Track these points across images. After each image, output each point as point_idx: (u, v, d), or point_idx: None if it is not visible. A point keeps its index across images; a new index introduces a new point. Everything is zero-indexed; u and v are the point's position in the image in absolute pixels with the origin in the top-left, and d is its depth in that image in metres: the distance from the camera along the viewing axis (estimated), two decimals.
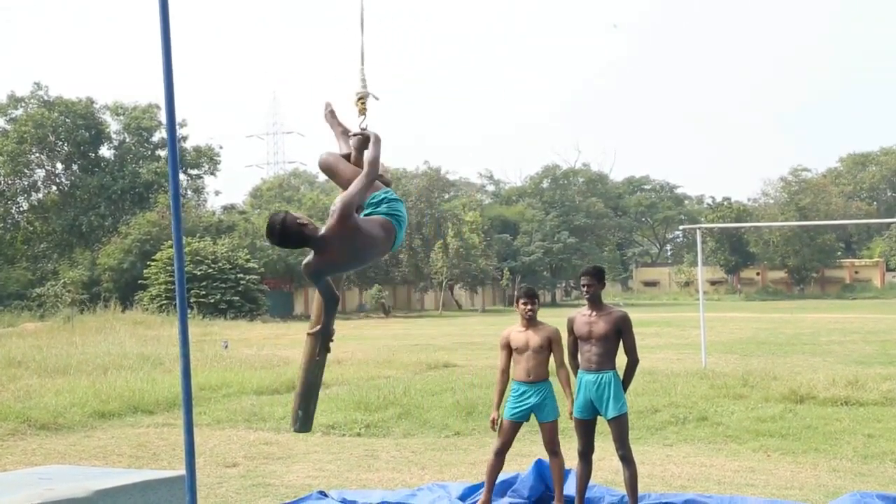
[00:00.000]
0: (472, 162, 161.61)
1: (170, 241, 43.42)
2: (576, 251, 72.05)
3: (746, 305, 60.33)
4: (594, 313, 6.50)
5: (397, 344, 25.69)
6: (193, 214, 50.98)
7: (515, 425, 6.89)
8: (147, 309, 41.47)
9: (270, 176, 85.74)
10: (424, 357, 19.76)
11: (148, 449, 9.77)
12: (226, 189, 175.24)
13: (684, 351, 21.29)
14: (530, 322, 6.80)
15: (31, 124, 52.50)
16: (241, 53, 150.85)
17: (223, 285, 44.18)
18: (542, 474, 7.23)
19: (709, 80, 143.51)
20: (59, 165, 56.57)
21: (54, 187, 57.02)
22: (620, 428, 6.42)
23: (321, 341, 5.13)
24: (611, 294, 79.59)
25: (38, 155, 54.96)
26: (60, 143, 54.87)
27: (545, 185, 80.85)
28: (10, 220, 55.85)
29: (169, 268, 41.78)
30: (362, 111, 5.36)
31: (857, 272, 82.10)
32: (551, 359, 6.86)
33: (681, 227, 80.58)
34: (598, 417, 6.60)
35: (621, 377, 6.57)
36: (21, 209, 57.28)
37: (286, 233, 4.57)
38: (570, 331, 6.66)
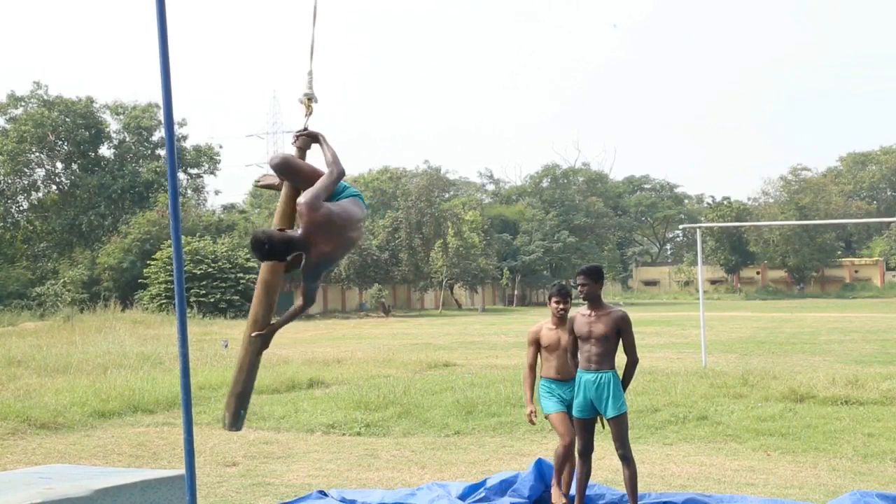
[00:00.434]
0: (472, 161, 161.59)
1: (169, 241, 43.43)
2: (576, 250, 72.05)
3: (746, 305, 60.35)
4: (594, 313, 6.50)
5: (397, 343, 25.70)
6: (193, 214, 51.00)
7: (566, 416, 6.83)
8: (147, 308, 41.52)
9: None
10: (424, 356, 19.77)
11: (148, 448, 9.77)
12: (226, 188, 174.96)
13: (684, 350, 21.30)
14: (561, 321, 6.79)
15: (30, 123, 52.52)
16: (241, 52, 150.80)
17: (223, 284, 44.20)
18: (543, 474, 7.23)
19: (709, 79, 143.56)
20: (59, 165, 56.62)
21: (54, 186, 57.06)
22: (620, 427, 6.42)
23: (263, 343, 5.21)
24: (611, 293, 79.65)
25: (37, 154, 54.99)
26: (60, 142, 54.89)
27: (545, 184, 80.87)
28: (10, 220, 55.88)
29: (169, 267, 41.81)
30: (309, 110, 5.41)
31: (856, 271, 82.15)
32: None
33: (681, 227, 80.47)
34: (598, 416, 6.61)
35: (621, 377, 6.57)
36: (21, 208, 57.33)
37: (274, 244, 4.79)
38: (571, 330, 6.66)
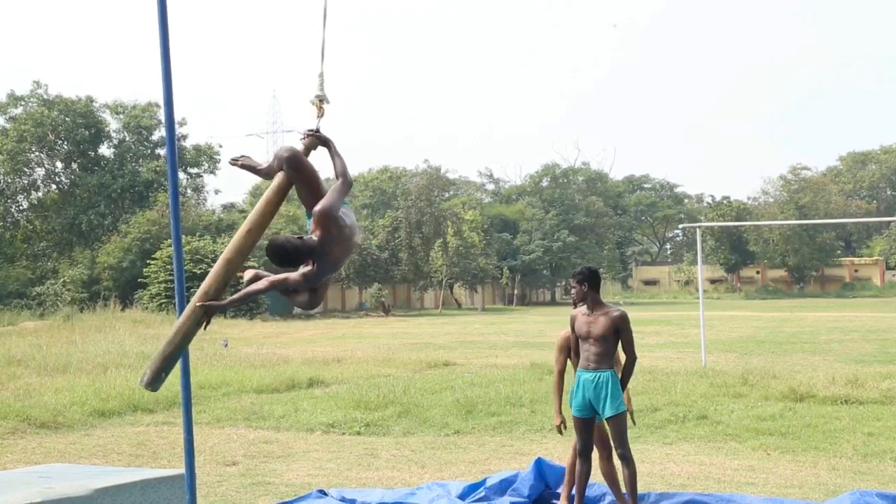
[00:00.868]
0: (472, 160, 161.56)
1: (169, 240, 43.44)
2: (575, 250, 72.04)
3: (746, 304, 60.35)
4: (593, 312, 6.51)
5: (397, 343, 25.69)
6: (193, 213, 50.97)
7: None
8: (147, 307, 41.51)
9: None
10: (424, 356, 19.77)
11: (148, 447, 9.77)
12: (226, 188, 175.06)
13: (684, 349, 21.30)
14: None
15: (30, 123, 52.49)
16: (241, 52, 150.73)
17: None
18: (543, 473, 7.23)
19: (708, 78, 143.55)
20: (59, 164, 56.58)
21: (54, 186, 57.02)
22: (618, 427, 6.42)
23: (206, 315, 5.15)
24: (611, 293, 79.62)
25: (37, 153, 54.96)
26: (60, 141, 54.86)
27: (545, 183, 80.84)
28: (9, 219, 55.85)
29: (168, 266, 41.80)
30: (320, 112, 5.40)
31: (856, 271, 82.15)
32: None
33: (681, 226, 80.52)
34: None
35: (619, 376, 6.59)
36: (21, 208, 57.29)
37: (297, 251, 4.86)
38: (572, 329, 6.67)
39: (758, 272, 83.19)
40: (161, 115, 55.56)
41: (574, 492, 6.69)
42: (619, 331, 6.47)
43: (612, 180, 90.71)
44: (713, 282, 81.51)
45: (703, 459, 8.68)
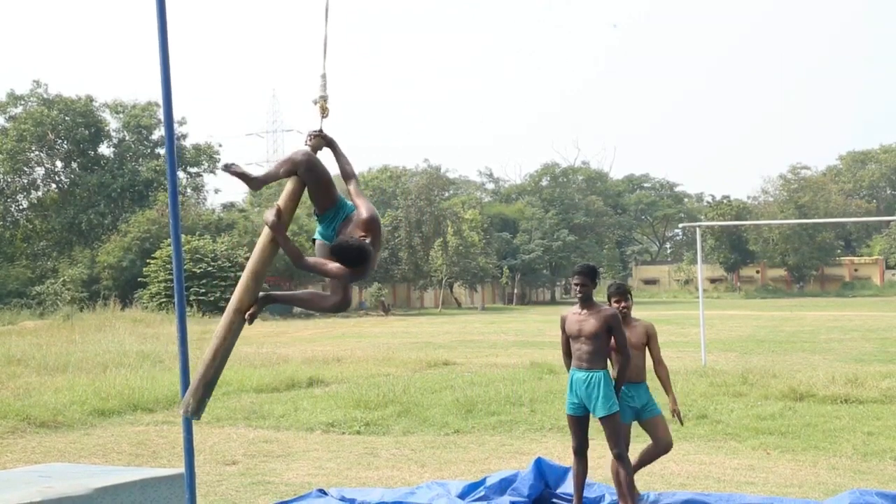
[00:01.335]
0: (472, 160, 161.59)
1: (169, 240, 43.37)
2: (575, 249, 72.03)
3: (746, 303, 60.35)
4: (585, 311, 6.51)
5: (397, 342, 25.69)
6: (193, 212, 50.97)
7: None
8: (146, 307, 41.51)
9: None
10: (424, 355, 19.76)
11: (147, 447, 9.77)
12: (225, 187, 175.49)
13: (684, 349, 21.29)
14: (625, 320, 6.67)
15: (30, 122, 52.47)
16: (240, 51, 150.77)
17: (223, 283, 44.19)
18: (543, 473, 7.22)
19: (708, 77, 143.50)
20: (59, 163, 56.58)
21: (54, 185, 57.01)
22: (612, 427, 6.41)
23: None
24: None
25: (37, 153, 54.95)
26: (60, 141, 54.85)
27: (545, 182, 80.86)
28: (9, 218, 55.84)
29: (168, 266, 41.78)
30: (325, 113, 5.38)
31: (856, 270, 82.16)
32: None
33: (680, 225, 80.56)
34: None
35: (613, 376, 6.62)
36: (20, 207, 57.29)
37: (371, 255, 4.89)
38: (563, 329, 6.69)
39: (758, 271, 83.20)
40: (161, 114, 55.56)
41: (569, 490, 6.69)
42: (612, 330, 6.46)
43: (611, 179, 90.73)
44: (713, 281, 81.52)
45: (703, 459, 8.67)
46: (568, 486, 6.98)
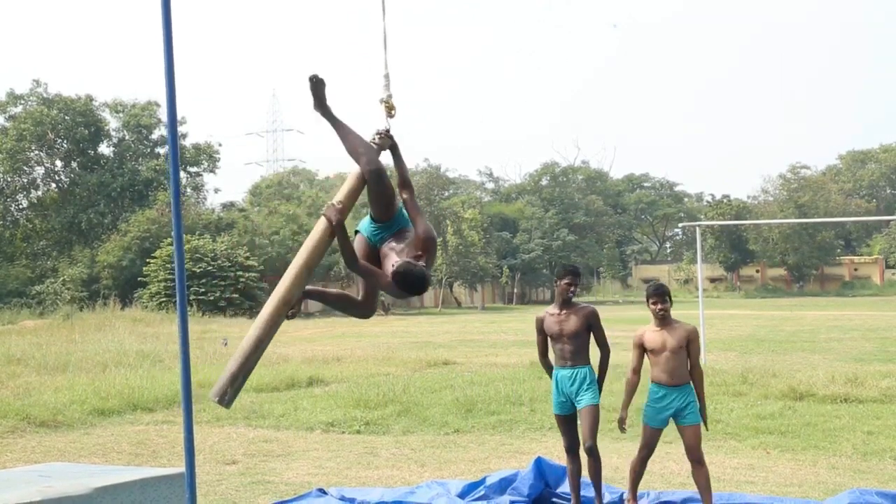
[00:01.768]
0: (472, 160, 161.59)
1: (169, 239, 43.41)
2: (575, 249, 72.03)
3: (746, 303, 60.35)
4: (563, 311, 6.62)
5: (397, 341, 25.69)
6: (193, 212, 50.97)
7: (657, 431, 6.62)
8: (146, 306, 41.50)
9: (270, 173, 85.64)
10: (424, 354, 19.76)
11: (147, 446, 9.77)
12: (225, 187, 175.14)
13: None
14: (663, 321, 6.51)
15: (30, 122, 52.44)
16: (240, 50, 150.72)
17: (223, 283, 44.20)
18: (543, 472, 7.22)
19: (708, 77, 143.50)
20: (59, 163, 56.53)
21: (53, 185, 56.98)
22: (590, 419, 6.46)
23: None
24: (610, 291, 79.61)
25: (37, 152, 54.91)
26: (60, 140, 54.82)
27: (544, 182, 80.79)
28: (9, 218, 55.81)
29: (168, 265, 41.79)
30: (392, 113, 5.30)
31: (856, 269, 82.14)
32: None
33: (680, 225, 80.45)
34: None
35: (597, 372, 6.66)
36: (20, 207, 57.24)
37: (428, 285, 4.91)
38: (540, 330, 6.76)
39: (757, 271, 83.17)
40: (160, 113, 55.58)
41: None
42: (592, 327, 6.61)
43: (611, 179, 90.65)
44: (713, 280, 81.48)
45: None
46: (568, 486, 6.98)
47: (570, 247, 71.75)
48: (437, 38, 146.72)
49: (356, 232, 5.30)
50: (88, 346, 20.86)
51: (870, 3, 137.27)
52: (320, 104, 5.28)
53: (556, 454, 8.43)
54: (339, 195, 5.09)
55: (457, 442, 9.85)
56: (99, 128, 55.99)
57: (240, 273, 45.02)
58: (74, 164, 56.21)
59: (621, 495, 6.98)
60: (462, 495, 7.02)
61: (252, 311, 44.48)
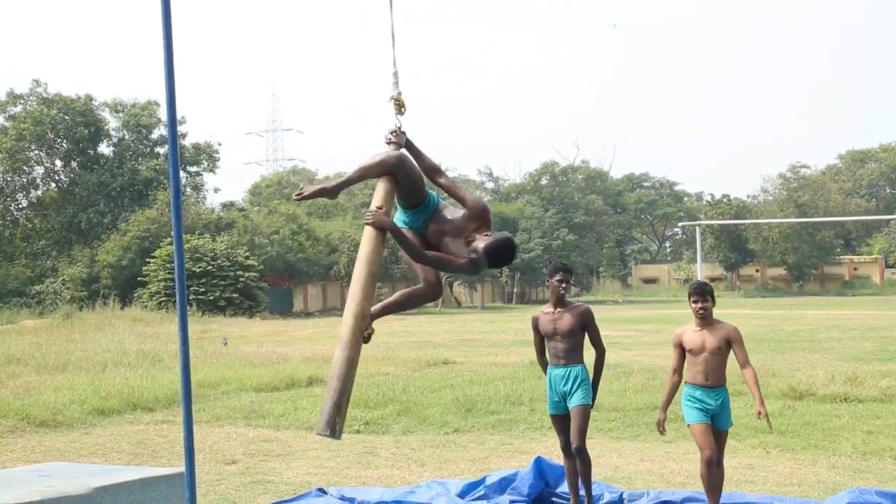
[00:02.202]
0: (472, 159, 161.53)
1: (169, 239, 43.40)
2: (575, 248, 72.00)
3: (746, 302, 60.32)
4: (558, 310, 6.63)
5: (396, 341, 25.69)
6: (192, 212, 50.98)
7: (705, 426, 6.32)
8: (146, 306, 41.51)
9: (270, 173, 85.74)
10: (423, 354, 19.76)
11: (147, 446, 9.77)
12: (225, 186, 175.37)
13: None
14: (704, 321, 6.32)
15: (29, 121, 52.42)
16: (240, 50, 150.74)
17: (222, 282, 44.19)
18: (542, 472, 7.23)
19: (708, 77, 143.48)
20: (58, 163, 56.52)
21: (53, 184, 56.96)
22: (581, 418, 6.47)
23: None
24: (610, 291, 79.60)
25: (36, 152, 54.90)
26: (59, 140, 54.81)
27: (544, 182, 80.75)
28: (9, 218, 55.80)
29: (168, 265, 41.79)
30: (402, 110, 5.29)
31: (856, 269, 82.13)
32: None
33: (680, 224, 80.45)
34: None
35: (591, 372, 6.67)
36: (20, 206, 57.24)
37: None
38: (536, 329, 6.78)
39: (757, 270, 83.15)
40: (160, 113, 55.56)
41: (565, 490, 6.68)
42: (587, 325, 6.62)
43: (611, 178, 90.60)
44: (713, 280, 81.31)
45: None
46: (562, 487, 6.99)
47: (569, 246, 71.70)
48: (436, 37, 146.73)
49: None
50: (88, 346, 20.85)
51: (870, 3, 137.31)
52: (331, 192, 5.35)
53: (556, 454, 8.41)
54: (377, 201, 5.06)
55: (456, 441, 9.85)
56: (99, 127, 55.97)
57: (239, 273, 45.01)
58: (74, 164, 56.20)
59: (621, 495, 6.97)
60: (462, 495, 7.02)
61: (252, 311, 44.52)
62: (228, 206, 61.13)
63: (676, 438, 9.71)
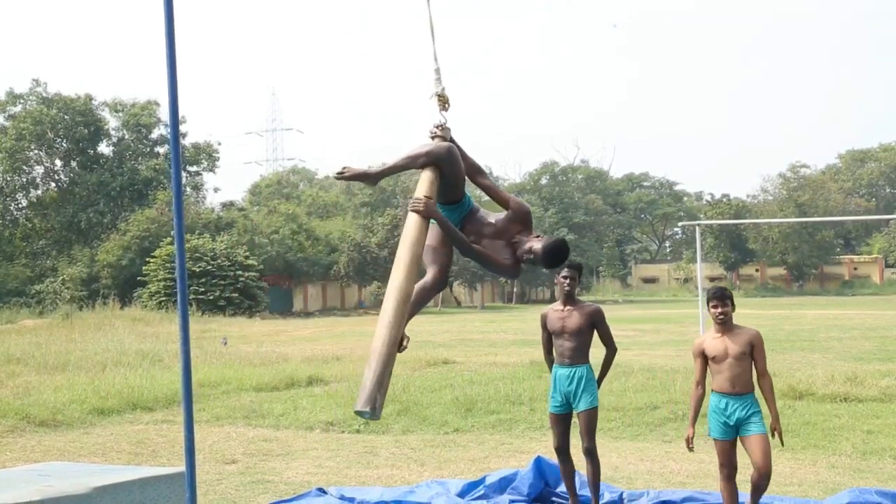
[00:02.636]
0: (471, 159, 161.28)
1: (169, 238, 43.42)
2: (575, 248, 71.94)
3: (745, 302, 60.22)
4: (567, 308, 6.57)
5: None
6: (192, 211, 51.01)
7: (728, 444, 6.23)
8: (146, 306, 41.53)
9: (269, 173, 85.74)
10: (423, 354, 19.73)
11: (147, 446, 9.77)
12: (225, 186, 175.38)
13: (683, 348, 21.27)
14: (724, 326, 6.15)
15: (29, 121, 52.42)
16: (240, 50, 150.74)
17: (222, 282, 44.20)
18: (542, 472, 7.23)
19: (708, 76, 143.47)
20: (58, 162, 56.53)
21: (53, 184, 56.96)
22: (589, 422, 6.45)
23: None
24: (610, 290, 79.56)
25: (36, 152, 54.91)
26: (59, 139, 54.81)
27: (544, 181, 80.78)
28: (8, 217, 55.79)
29: (168, 265, 41.81)
30: (446, 106, 5.25)
31: (856, 268, 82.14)
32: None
33: (680, 224, 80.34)
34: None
35: (596, 371, 6.63)
36: (20, 206, 57.23)
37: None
38: (544, 326, 6.73)
39: (757, 270, 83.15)
40: (160, 113, 55.59)
41: (583, 491, 6.64)
42: (596, 325, 6.56)
43: (611, 178, 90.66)
44: (712, 280, 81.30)
45: (703, 457, 8.66)
46: (561, 488, 6.98)
47: (569, 246, 71.72)
48: (436, 37, 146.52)
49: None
50: (88, 346, 20.86)
51: (870, 3, 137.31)
52: (372, 178, 5.31)
53: None
54: (424, 190, 4.96)
55: (456, 441, 9.85)
56: (98, 127, 55.97)
57: (239, 272, 45.01)
58: (74, 164, 56.20)
59: (621, 495, 6.98)
60: (462, 495, 7.02)
61: (251, 311, 44.52)
62: (228, 205, 61.14)
63: (676, 438, 9.71)
